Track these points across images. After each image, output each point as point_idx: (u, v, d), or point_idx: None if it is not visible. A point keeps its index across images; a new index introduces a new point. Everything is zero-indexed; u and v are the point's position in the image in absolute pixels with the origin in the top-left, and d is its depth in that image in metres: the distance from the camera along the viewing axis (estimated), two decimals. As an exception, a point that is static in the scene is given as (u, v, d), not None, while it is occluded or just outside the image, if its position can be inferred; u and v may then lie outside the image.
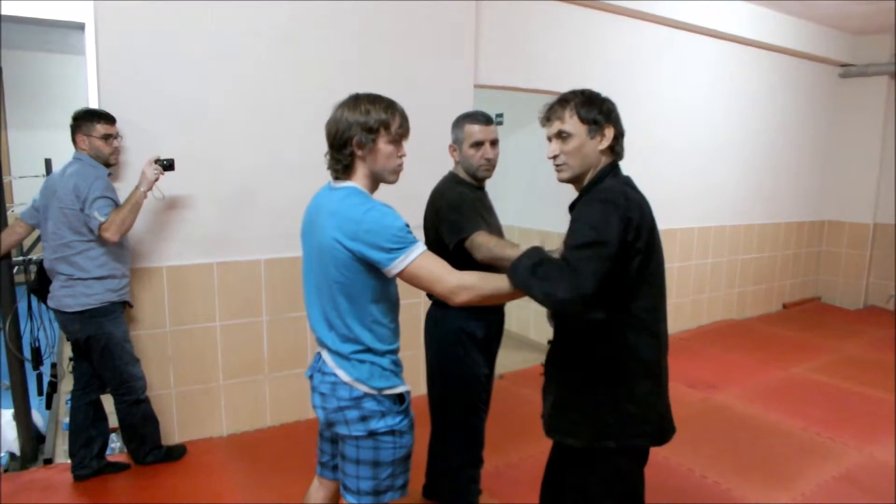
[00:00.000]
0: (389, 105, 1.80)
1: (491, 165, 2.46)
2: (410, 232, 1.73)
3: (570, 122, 1.76)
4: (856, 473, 3.29)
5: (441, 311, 2.49)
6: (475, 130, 2.41)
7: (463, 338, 2.44)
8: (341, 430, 1.84)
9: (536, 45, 4.59)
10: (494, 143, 2.45)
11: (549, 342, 1.94)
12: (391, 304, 1.87)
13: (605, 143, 1.78)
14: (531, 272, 1.63)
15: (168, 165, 2.99)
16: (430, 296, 2.50)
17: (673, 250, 5.76)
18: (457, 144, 2.48)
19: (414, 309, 3.95)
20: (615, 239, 1.59)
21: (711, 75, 5.87)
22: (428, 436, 2.70)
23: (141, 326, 3.29)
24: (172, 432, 3.42)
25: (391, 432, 1.82)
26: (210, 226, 3.41)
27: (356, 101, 1.79)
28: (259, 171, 3.51)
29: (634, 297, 1.71)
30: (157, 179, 2.95)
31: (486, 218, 2.41)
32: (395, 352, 1.88)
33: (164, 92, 3.20)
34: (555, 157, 1.80)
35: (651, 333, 1.76)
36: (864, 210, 7.20)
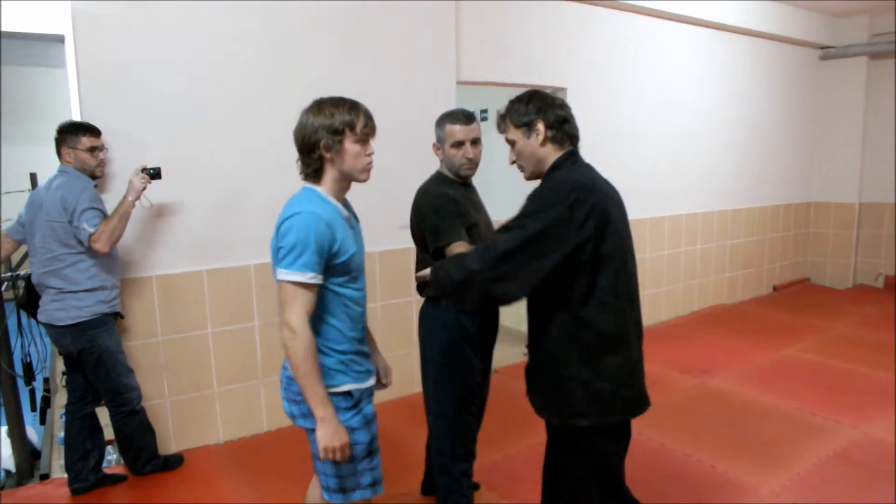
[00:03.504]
0: (353, 106, 1.82)
1: (473, 164, 2.46)
2: (311, 255, 1.71)
3: (510, 131, 1.93)
4: (851, 451, 3.33)
5: (432, 306, 2.49)
6: (456, 130, 2.40)
7: (454, 332, 2.44)
8: (298, 423, 1.88)
9: (517, 40, 4.60)
10: (475, 141, 2.44)
11: None
12: (341, 306, 1.86)
13: (541, 137, 1.86)
14: (448, 265, 1.88)
15: (155, 174, 2.99)
16: (420, 292, 2.51)
17: (661, 238, 5.79)
18: (439, 143, 2.48)
19: (405, 308, 3.95)
20: (547, 223, 1.70)
21: (693, 63, 5.90)
22: (426, 434, 2.71)
23: (133, 337, 3.28)
24: (169, 441, 3.41)
25: None
26: (198, 233, 3.40)
27: (320, 105, 1.82)
28: (245, 177, 3.50)
29: (591, 277, 1.76)
30: (144, 188, 2.95)
31: (472, 216, 2.41)
32: (345, 352, 1.87)
33: (147, 100, 3.19)
34: (513, 163, 1.97)
35: (612, 310, 1.78)
36: (849, 190, 7.27)
